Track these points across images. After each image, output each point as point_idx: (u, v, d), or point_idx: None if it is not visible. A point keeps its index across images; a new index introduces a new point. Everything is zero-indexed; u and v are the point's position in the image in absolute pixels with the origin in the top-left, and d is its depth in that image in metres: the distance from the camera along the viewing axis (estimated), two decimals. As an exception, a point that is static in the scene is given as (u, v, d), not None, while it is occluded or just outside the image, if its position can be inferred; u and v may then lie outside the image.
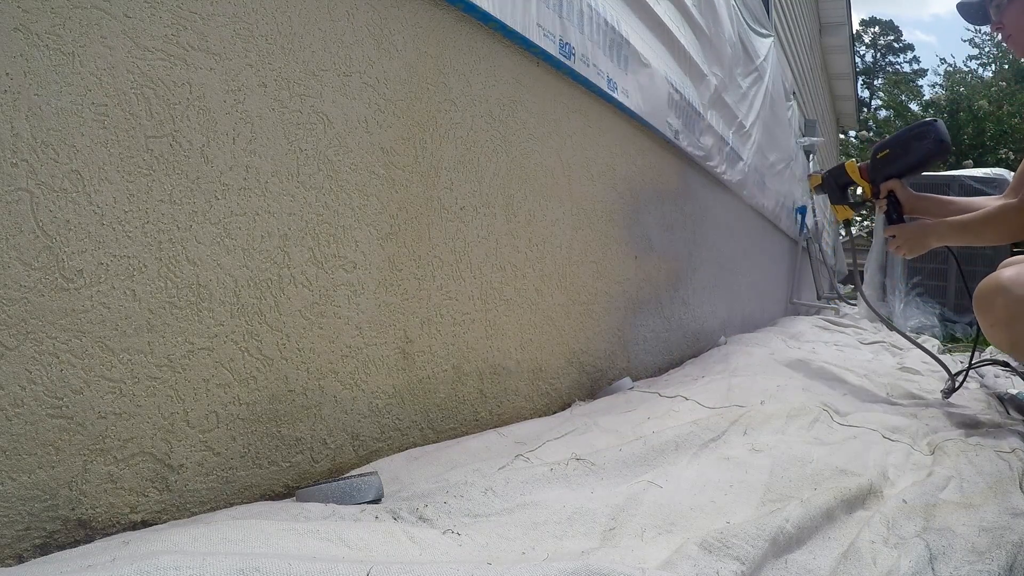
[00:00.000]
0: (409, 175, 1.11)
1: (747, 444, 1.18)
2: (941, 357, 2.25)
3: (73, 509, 0.69)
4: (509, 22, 1.27)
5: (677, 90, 2.12)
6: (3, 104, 0.62)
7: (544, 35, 1.38)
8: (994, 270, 1.58)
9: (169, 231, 0.76)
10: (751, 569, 0.69)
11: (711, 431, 1.21)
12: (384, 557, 0.65)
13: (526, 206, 1.42)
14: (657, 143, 2.11)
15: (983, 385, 2.18)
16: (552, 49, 1.41)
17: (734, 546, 0.71)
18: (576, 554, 0.74)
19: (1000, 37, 1.65)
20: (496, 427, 1.29)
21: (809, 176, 2.42)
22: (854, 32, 13.27)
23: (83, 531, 0.70)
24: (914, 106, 18.49)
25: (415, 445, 1.13)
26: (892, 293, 5.66)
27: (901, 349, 3.13)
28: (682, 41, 2.13)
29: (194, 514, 0.80)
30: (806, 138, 5.20)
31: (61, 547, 0.67)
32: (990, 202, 1.79)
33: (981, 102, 14.64)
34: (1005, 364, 2.30)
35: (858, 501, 0.95)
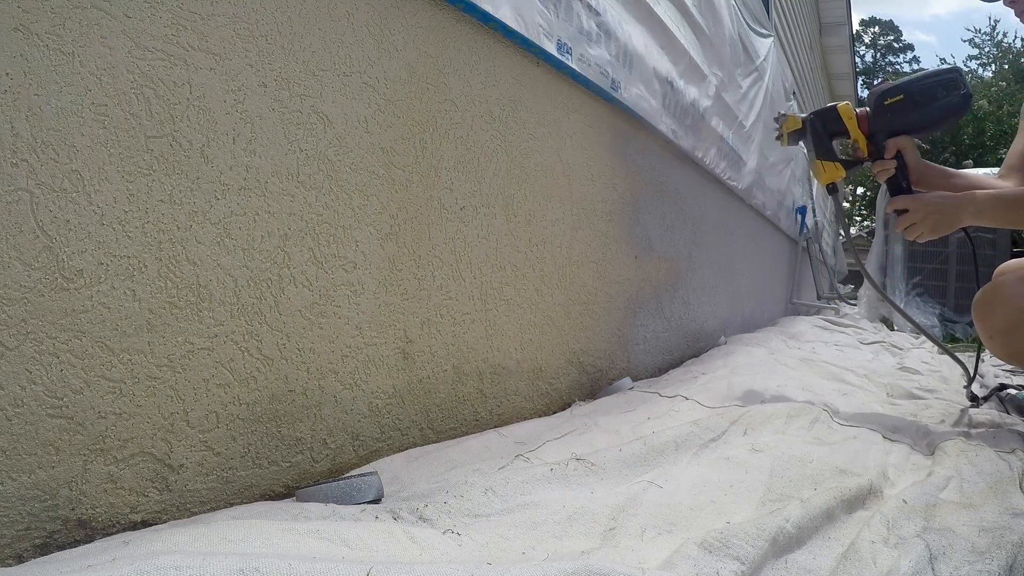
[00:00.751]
0: (409, 175, 1.10)
1: (747, 444, 1.18)
2: (965, 361, 2.21)
3: (73, 509, 0.69)
4: (509, 22, 1.27)
5: (677, 90, 2.12)
6: (3, 104, 0.62)
7: (544, 35, 1.38)
8: (993, 270, 1.58)
9: (169, 231, 0.76)
10: (751, 569, 0.69)
11: (711, 431, 1.21)
12: (384, 557, 0.65)
13: (526, 206, 1.42)
14: (657, 143, 2.11)
15: (984, 386, 2.18)
16: (552, 49, 1.42)
17: (734, 546, 0.71)
18: (576, 554, 0.74)
19: (1015, 12, 1.48)
20: (496, 427, 1.29)
21: (783, 117, 1.66)
22: (854, 32, 13.26)
23: (83, 531, 0.70)
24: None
25: (415, 445, 1.13)
26: (892, 293, 5.67)
27: (901, 349, 3.13)
28: (682, 41, 2.13)
29: (194, 514, 0.79)
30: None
31: (61, 547, 0.67)
32: (996, 181, 1.57)
33: (981, 102, 14.66)
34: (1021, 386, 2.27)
35: (858, 501, 0.95)
